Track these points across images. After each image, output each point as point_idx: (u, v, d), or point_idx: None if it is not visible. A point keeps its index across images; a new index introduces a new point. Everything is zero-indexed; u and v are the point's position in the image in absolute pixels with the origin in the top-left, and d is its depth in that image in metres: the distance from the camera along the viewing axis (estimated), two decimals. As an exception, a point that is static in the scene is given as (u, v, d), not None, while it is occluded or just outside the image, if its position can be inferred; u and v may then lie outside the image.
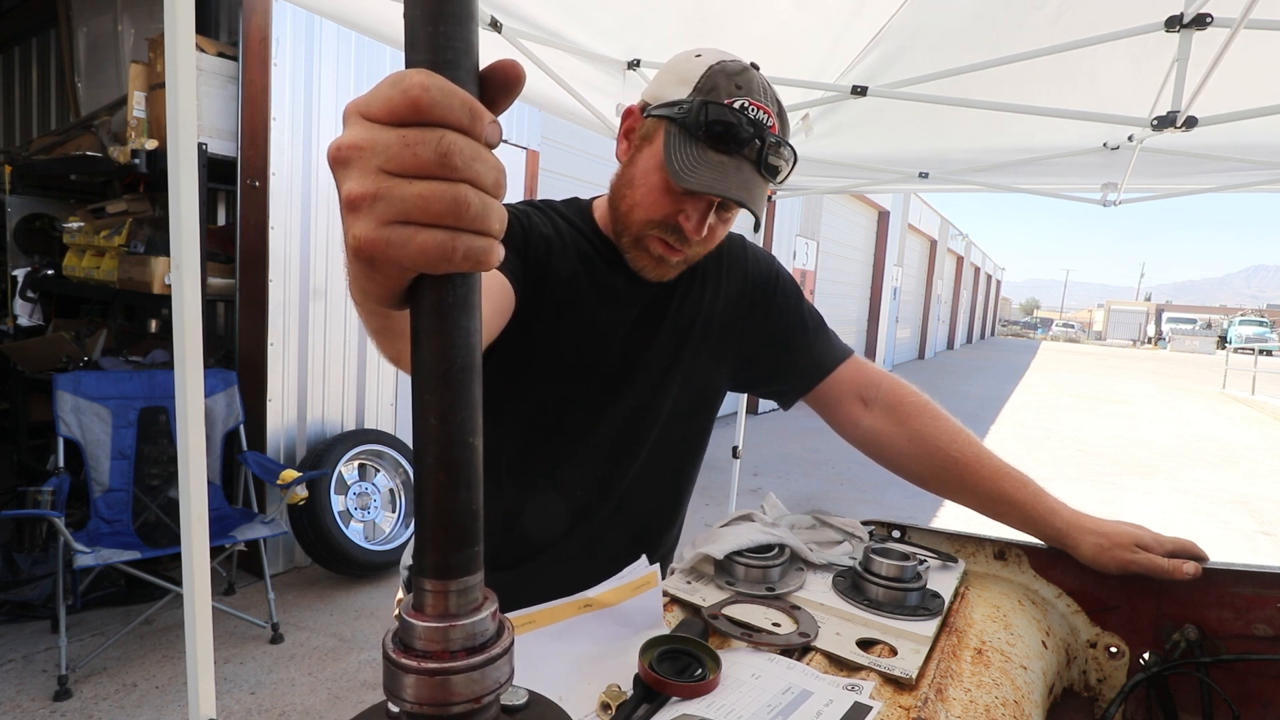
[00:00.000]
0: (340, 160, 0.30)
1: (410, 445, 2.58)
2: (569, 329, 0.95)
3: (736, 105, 0.82)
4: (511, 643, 0.33)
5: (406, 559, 1.16)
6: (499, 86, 0.31)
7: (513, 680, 0.33)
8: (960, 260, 25.88)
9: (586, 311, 0.96)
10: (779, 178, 0.88)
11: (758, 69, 0.88)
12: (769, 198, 3.12)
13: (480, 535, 0.32)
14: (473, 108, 0.29)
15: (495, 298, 0.78)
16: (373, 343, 0.57)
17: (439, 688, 0.30)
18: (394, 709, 0.33)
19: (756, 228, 0.90)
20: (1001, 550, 0.94)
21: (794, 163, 0.89)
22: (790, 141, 0.88)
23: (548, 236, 0.94)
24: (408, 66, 0.29)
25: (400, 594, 1.19)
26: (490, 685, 0.31)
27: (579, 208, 1.02)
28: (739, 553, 0.83)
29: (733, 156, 0.83)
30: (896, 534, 1.00)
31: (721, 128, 0.82)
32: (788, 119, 0.90)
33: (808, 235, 9.89)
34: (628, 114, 0.94)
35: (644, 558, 0.73)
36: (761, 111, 0.84)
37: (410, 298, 0.31)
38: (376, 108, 0.29)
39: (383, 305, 0.34)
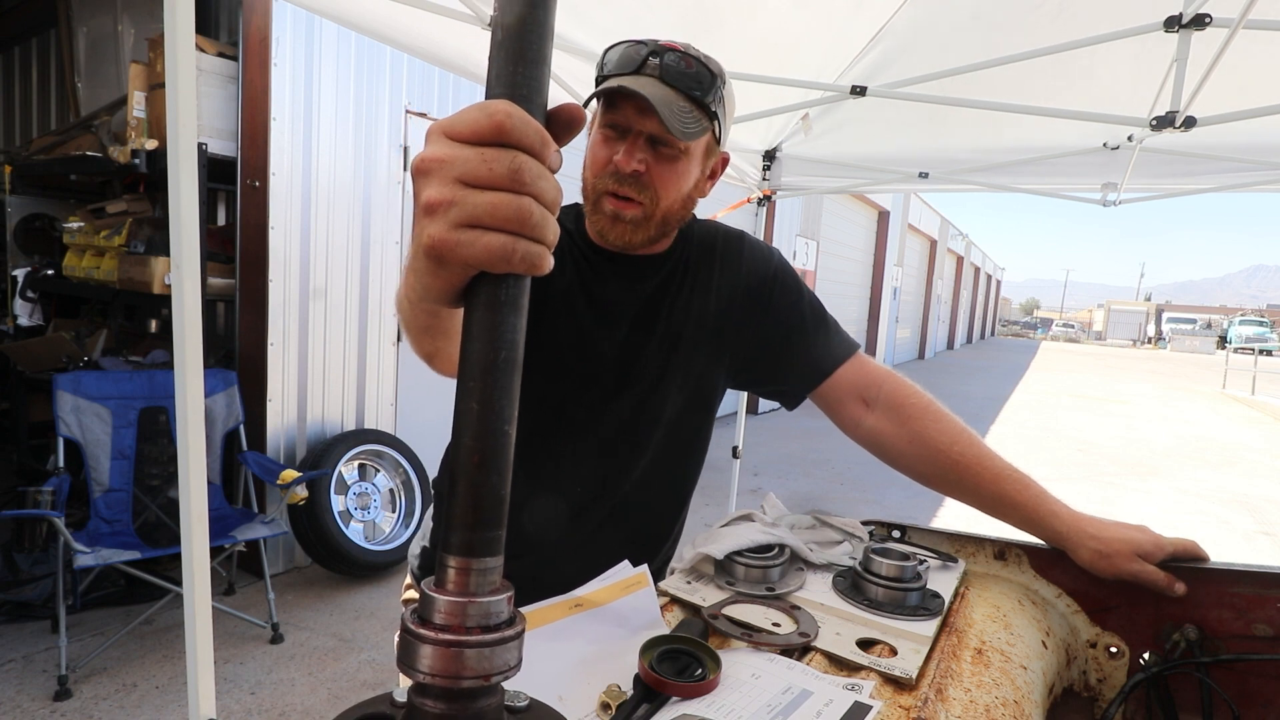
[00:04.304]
0: (423, 171, 0.35)
1: (411, 445, 2.60)
2: (566, 335, 0.97)
3: (636, 40, 0.89)
4: (522, 631, 0.34)
5: (415, 550, 1.18)
6: (563, 124, 0.36)
7: (520, 669, 0.34)
8: (960, 260, 25.88)
9: (582, 319, 0.98)
10: (697, 91, 0.88)
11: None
12: (769, 198, 3.12)
13: (504, 521, 0.34)
14: (543, 136, 0.34)
15: None
16: (409, 340, 0.61)
17: (453, 660, 0.32)
18: (398, 698, 0.35)
19: (676, 138, 0.87)
20: (1001, 550, 0.94)
21: (712, 76, 0.89)
22: (706, 74, 0.89)
23: None
24: (488, 98, 0.34)
25: (408, 579, 1.20)
26: (500, 666, 0.33)
27: (575, 215, 1.03)
28: (739, 553, 0.83)
29: (633, 75, 0.87)
30: (896, 534, 1.00)
31: (617, 54, 0.89)
32: (712, 64, 0.90)
33: (808, 235, 9.89)
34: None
35: (627, 561, 0.73)
36: (666, 44, 0.88)
37: (466, 295, 0.35)
38: (462, 128, 0.34)
39: (440, 302, 0.38)
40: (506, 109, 0.32)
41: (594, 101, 0.92)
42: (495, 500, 0.34)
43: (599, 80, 0.91)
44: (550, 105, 0.36)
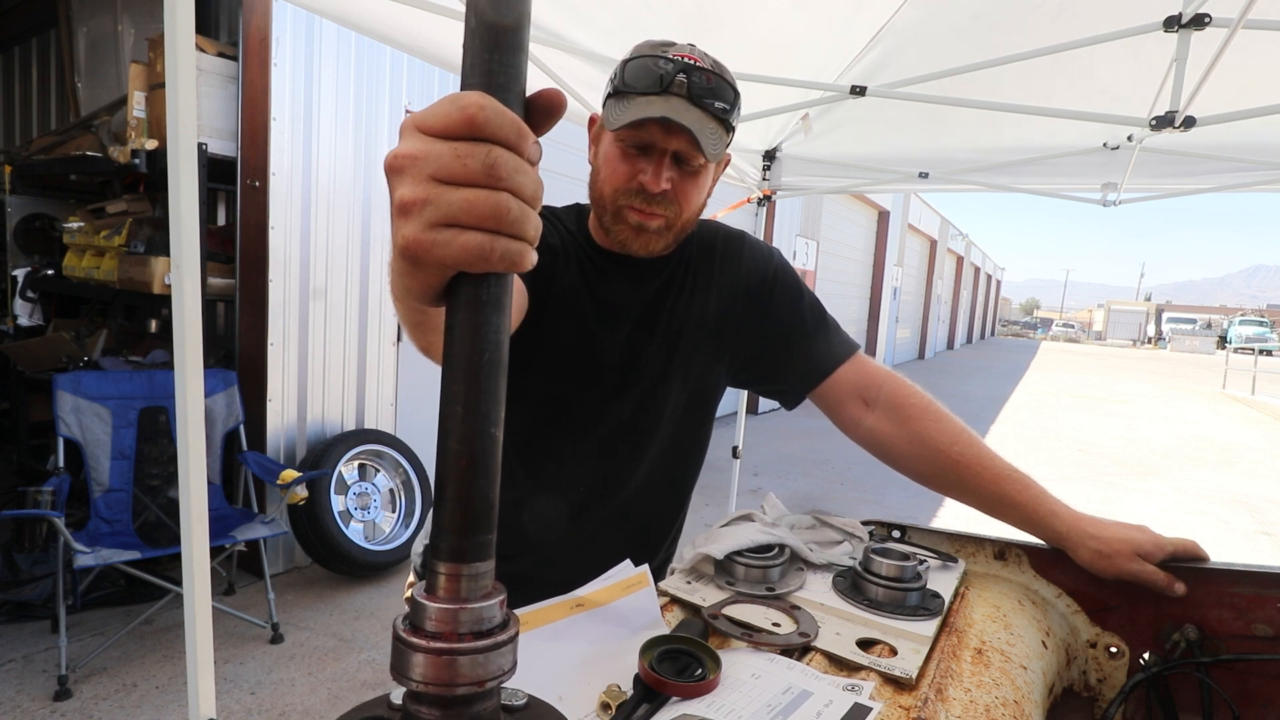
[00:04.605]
0: (396, 168, 0.33)
1: (411, 445, 2.60)
2: (569, 335, 0.97)
3: (654, 54, 0.88)
4: (516, 634, 0.34)
5: (418, 547, 1.18)
6: (542, 111, 0.35)
7: (515, 672, 0.34)
8: (960, 260, 25.87)
9: (585, 319, 0.98)
10: (720, 110, 0.88)
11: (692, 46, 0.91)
12: (769, 197, 3.12)
13: (494, 524, 0.34)
14: (520, 127, 0.32)
15: (514, 297, 0.80)
16: (407, 334, 0.60)
17: (445, 668, 0.32)
18: (395, 700, 0.35)
19: (708, 159, 0.89)
20: (1001, 550, 0.94)
21: (734, 93, 0.90)
22: (729, 91, 0.89)
23: (553, 247, 0.96)
24: (464, 88, 0.32)
25: (411, 578, 1.21)
26: (494, 671, 0.33)
27: (577, 215, 1.04)
28: (739, 553, 0.83)
29: (661, 95, 0.86)
30: (896, 534, 1.00)
31: (639, 70, 0.87)
32: (727, 74, 0.90)
33: (808, 235, 9.89)
34: (590, 123, 0.97)
35: (628, 560, 0.73)
36: (685, 58, 0.87)
37: (447, 295, 0.34)
38: (434, 122, 0.32)
39: (422, 302, 0.36)
40: (479, 100, 0.31)
41: (605, 104, 0.91)
42: (484, 504, 0.33)
43: (618, 92, 0.89)
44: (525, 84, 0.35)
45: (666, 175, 0.89)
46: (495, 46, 0.32)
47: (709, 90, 0.87)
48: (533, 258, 0.34)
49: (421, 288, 0.35)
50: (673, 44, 0.89)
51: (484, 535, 0.33)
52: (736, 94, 0.90)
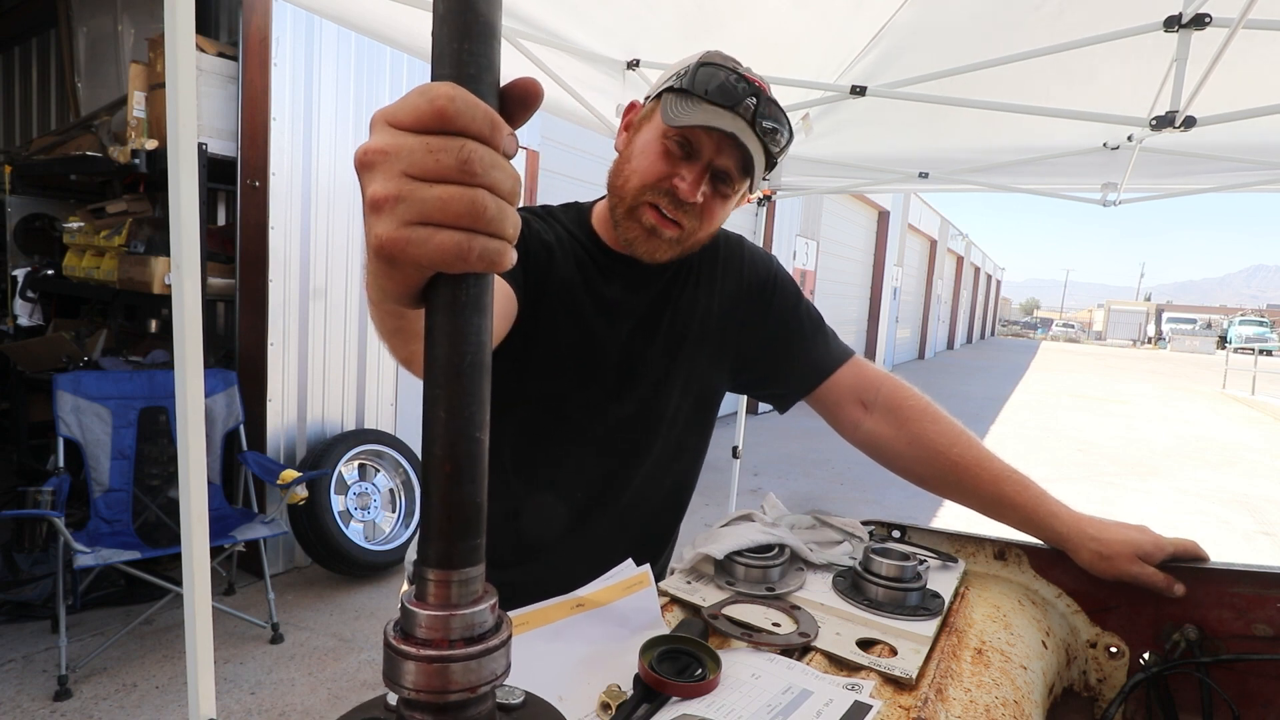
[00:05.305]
0: (366, 164, 0.32)
1: (411, 445, 2.60)
2: (567, 335, 0.96)
3: (728, 65, 0.86)
4: (509, 637, 0.34)
5: (412, 554, 1.18)
6: (518, 102, 0.33)
7: (509, 674, 0.34)
8: (960, 260, 25.87)
9: (584, 319, 0.96)
10: (774, 145, 0.88)
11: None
12: (769, 197, 3.12)
13: (483, 528, 0.33)
14: (493, 119, 0.31)
15: (500, 303, 0.79)
16: (385, 346, 0.58)
17: (437, 675, 0.31)
18: (391, 701, 0.34)
19: (753, 189, 0.90)
20: (1001, 550, 0.94)
21: (789, 135, 0.89)
22: (785, 131, 0.89)
23: (548, 244, 0.95)
24: (434, 79, 0.31)
25: (405, 586, 1.20)
26: (487, 676, 0.32)
27: (577, 214, 1.02)
28: (739, 553, 0.83)
29: (729, 111, 0.85)
30: (896, 534, 1.00)
31: (716, 81, 0.85)
32: (784, 112, 0.90)
33: (808, 235, 9.89)
34: (630, 108, 0.96)
35: (630, 560, 0.73)
36: (754, 82, 0.86)
37: (426, 296, 0.33)
38: (404, 116, 0.31)
39: (400, 304, 0.35)
40: (449, 92, 0.30)
41: (664, 98, 0.89)
42: (472, 509, 0.33)
43: (683, 91, 0.86)
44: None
45: (703, 190, 0.88)
46: (465, 34, 0.30)
47: (772, 122, 0.86)
48: (512, 257, 0.33)
49: (399, 289, 0.34)
50: (738, 62, 0.88)
51: (472, 540, 0.33)
52: (791, 134, 0.90)
